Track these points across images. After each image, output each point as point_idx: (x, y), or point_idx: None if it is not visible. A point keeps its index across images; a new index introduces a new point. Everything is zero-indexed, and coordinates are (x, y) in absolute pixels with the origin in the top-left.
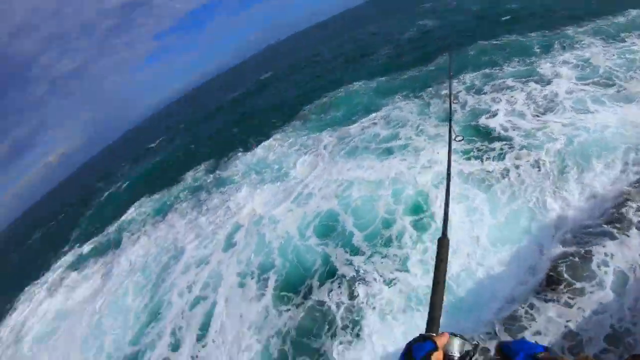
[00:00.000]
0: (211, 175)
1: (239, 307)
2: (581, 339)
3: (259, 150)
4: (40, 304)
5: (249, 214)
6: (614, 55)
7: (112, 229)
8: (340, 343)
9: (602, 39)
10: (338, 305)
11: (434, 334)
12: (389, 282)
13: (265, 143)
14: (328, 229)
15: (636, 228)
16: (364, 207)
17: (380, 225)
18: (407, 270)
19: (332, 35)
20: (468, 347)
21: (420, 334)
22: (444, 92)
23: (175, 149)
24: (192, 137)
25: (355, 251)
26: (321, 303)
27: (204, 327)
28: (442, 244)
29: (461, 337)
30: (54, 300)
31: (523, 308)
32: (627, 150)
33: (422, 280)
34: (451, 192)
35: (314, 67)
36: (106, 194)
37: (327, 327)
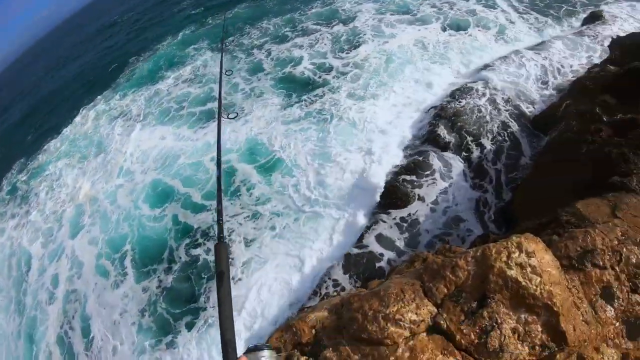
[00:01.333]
0: (24, 171)
1: (107, 296)
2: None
3: (70, 129)
4: None
5: (85, 195)
6: None
7: None
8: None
9: None
10: (205, 260)
11: None
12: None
13: (77, 119)
14: (165, 196)
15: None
16: (192, 171)
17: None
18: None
19: None
20: None
21: None
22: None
23: None
24: None
25: (199, 208)
26: (187, 262)
27: (86, 332)
28: (220, 250)
29: (268, 348)
30: None
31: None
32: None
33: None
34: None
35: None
36: None
37: (200, 279)
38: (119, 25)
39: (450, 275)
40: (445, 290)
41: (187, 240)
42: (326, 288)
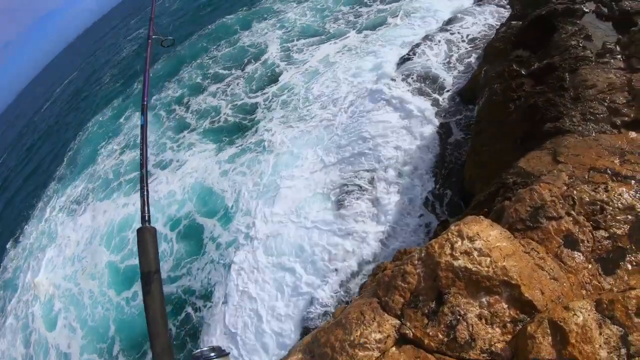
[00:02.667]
0: None
1: None
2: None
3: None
4: None
5: (45, 285)
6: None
7: None
8: None
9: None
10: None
11: None
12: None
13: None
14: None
15: None
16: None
17: None
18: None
19: None
20: None
21: None
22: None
23: None
24: None
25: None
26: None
27: None
28: (145, 235)
29: (217, 355)
30: None
31: None
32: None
33: None
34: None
35: None
36: None
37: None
38: (47, 117)
39: (402, 284)
40: (402, 300)
41: (169, 308)
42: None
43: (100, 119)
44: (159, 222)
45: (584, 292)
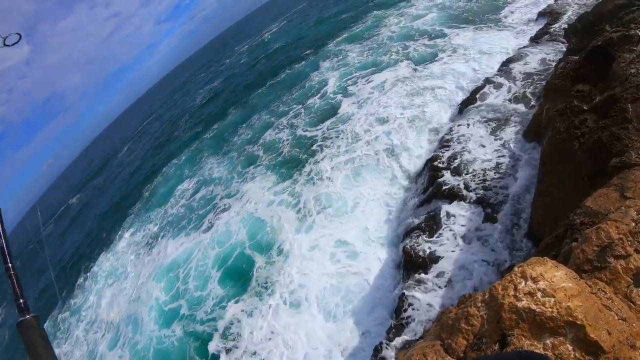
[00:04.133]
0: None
1: None
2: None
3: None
4: None
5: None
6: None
7: None
8: None
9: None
10: None
11: None
12: None
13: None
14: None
15: None
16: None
17: None
18: None
19: None
20: None
21: None
22: None
23: None
24: None
25: None
26: None
27: None
28: (28, 328)
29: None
30: None
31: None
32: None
33: None
34: None
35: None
36: None
37: None
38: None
39: (466, 326)
40: (465, 342)
41: None
42: None
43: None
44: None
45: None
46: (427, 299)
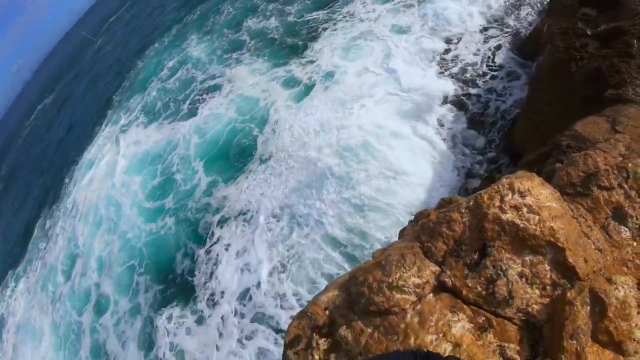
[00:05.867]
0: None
1: None
2: None
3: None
4: None
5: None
6: None
7: None
8: None
9: None
10: None
11: None
12: None
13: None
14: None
15: None
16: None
17: None
18: None
19: None
20: None
21: None
22: None
23: None
24: None
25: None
26: None
27: None
28: None
29: None
30: None
31: None
32: None
33: None
34: None
35: None
36: None
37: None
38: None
39: (447, 231)
40: (445, 247)
41: None
42: None
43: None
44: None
45: (625, 269)
46: None
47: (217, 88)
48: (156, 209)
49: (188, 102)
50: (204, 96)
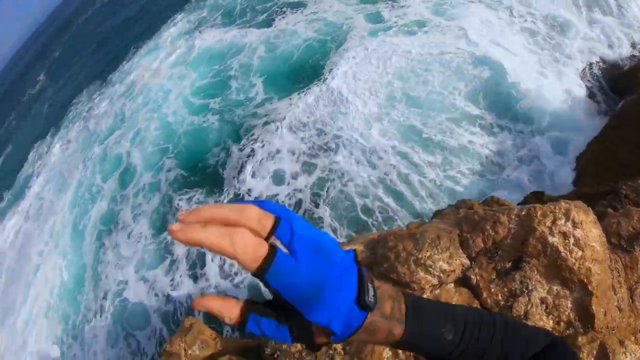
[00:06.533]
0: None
1: None
2: None
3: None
4: None
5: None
6: None
7: None
8: None
9: None
10: None
11: None
12: None
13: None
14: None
15: None
16: None
17: None
18: None
19: None
20: None
21: None
22: None
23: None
24: None
25: None
26: None
27: None
28: None
29: None
30: None
31: None
32: None
33: None
34: None
35: None
36: None
37: None
38: None
39: (490, 230)
40: (482, 245)
41: None
42: None
43: None
44: None
45: (633, 338)
46: None
47: (301, 5)
48: (200, 105)
49: (267, 12)
50: (285, 9)
